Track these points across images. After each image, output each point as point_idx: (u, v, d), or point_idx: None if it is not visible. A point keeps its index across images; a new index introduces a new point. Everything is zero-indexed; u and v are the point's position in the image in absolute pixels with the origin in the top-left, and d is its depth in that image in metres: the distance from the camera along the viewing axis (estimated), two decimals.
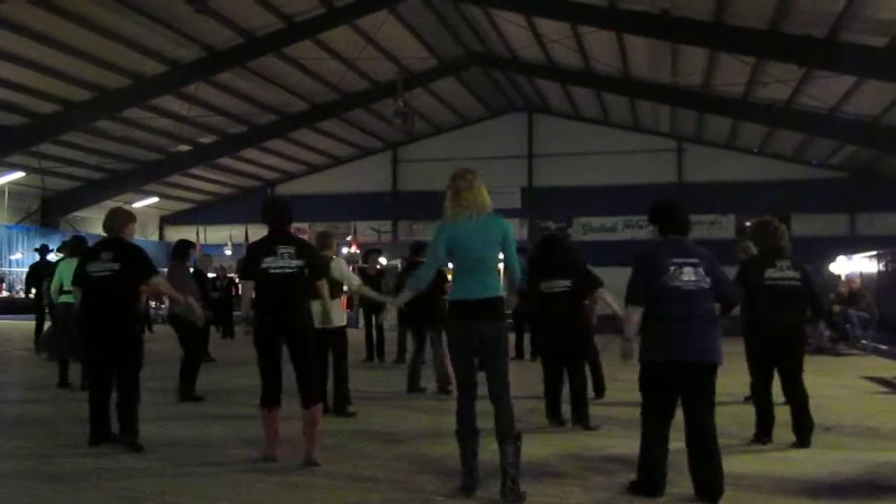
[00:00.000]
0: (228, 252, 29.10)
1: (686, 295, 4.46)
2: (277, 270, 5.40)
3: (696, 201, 29.83)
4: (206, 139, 27.48)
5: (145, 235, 34.93)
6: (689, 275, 4.49)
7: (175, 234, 35.02)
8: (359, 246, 28.28)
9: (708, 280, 4.51)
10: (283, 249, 5.44)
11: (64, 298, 8.28)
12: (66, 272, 8.24)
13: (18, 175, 26.33)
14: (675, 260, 4.53)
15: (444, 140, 32.96)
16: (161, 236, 35.63)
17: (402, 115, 21.95)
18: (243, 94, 24.21)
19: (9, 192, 27.42)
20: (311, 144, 30.94)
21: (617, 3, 17.53)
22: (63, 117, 22.34)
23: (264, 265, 5.41)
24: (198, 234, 33.27)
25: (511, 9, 19.56)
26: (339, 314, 7.15)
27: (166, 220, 36.00)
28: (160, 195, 32.55)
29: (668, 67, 21.08)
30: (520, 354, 12.27)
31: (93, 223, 32.18)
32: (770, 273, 5.95)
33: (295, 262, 5.43)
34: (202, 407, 7.74)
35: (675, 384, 4.46)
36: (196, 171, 30.53)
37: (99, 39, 18.71)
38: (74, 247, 8.69)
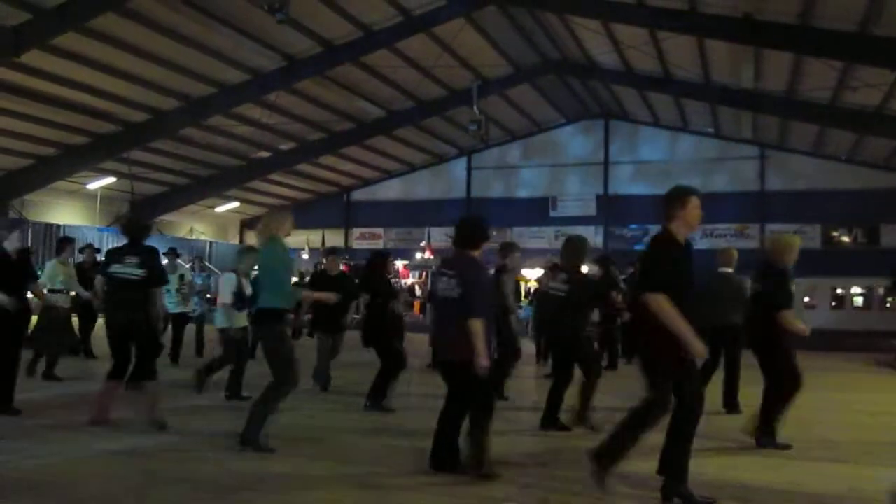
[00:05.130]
0: (305, 256, 29.67)
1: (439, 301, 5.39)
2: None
3: (778, 210, 29.09)
4: (286, 146, 28.17)
5: (226, 239, 36.01)
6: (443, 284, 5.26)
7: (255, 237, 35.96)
8: (433, 252, 28.44)
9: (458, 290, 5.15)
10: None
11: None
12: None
13: (110, 180, 27.61)
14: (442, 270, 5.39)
15: (518, 146, 32.96)
16: (241, 240, 36.63)
17: (477, 123, 22.02)
18: (321, 102, 24.72)
19: (101, 197, 28.72)
20: (386, 151, 31.36)
21: (697, 7, 17.18)
22: (152, 125, 23.32)
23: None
24: None
25: (588, 15, 19.39)
26: None
27: (247, 225, 37.00)
28: (241, 200, 33.51)
29: (751, 72, 20.49)
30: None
31: (177, 227, 33.42)
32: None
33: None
34: None
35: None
36: (275, 176, 31.29)
37: (186, 50, 19.45)
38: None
